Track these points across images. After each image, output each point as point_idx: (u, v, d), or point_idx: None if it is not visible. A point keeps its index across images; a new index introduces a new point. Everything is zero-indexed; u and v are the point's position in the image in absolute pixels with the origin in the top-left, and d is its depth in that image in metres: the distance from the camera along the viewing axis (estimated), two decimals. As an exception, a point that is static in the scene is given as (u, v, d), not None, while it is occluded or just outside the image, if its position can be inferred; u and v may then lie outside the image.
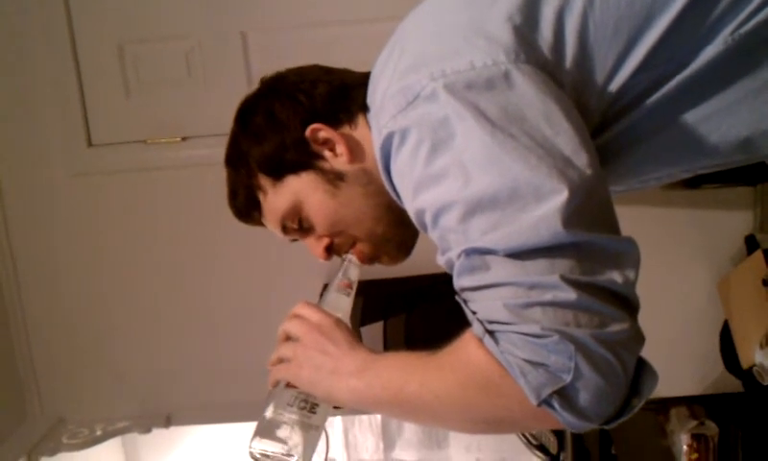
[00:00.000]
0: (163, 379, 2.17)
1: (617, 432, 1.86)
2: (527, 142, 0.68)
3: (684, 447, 1.91)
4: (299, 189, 0.91)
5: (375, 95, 0.83)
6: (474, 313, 0.70)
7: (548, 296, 0.65)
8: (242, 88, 0.99)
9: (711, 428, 1.91)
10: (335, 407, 0.86)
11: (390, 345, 1.86)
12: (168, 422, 2.19)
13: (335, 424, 2.61)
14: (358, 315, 1.78)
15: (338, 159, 0.90)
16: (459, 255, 0.70)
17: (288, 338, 0.89)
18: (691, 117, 0.77)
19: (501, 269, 0.67)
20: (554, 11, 0.74)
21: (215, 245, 2.06)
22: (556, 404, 0.65)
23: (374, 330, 1.87)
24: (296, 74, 0.95)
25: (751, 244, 1.97)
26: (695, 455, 1.90)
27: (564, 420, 0.66)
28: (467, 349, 0.71)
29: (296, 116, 0.90)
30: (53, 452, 2.07)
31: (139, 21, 1.98)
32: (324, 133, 0.89)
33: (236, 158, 0.96)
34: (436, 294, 1.48)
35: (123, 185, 2.06)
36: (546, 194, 0.66)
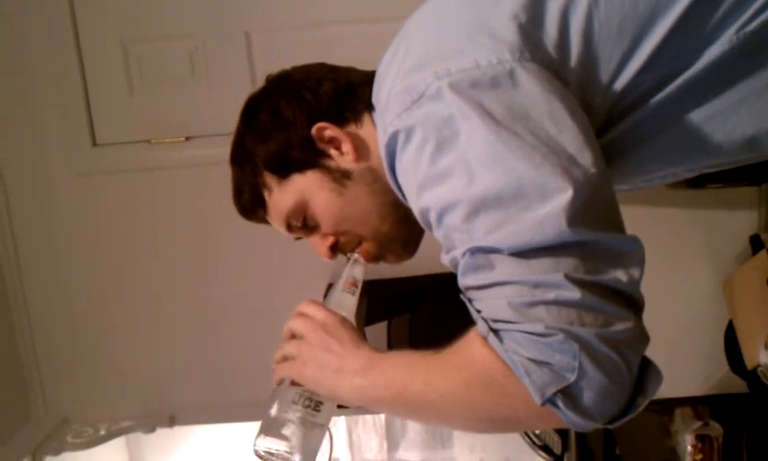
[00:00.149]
0: (167, 379, 2.17)
1: (621, 432, 1.86)
2: (532, 141, 0.68)
3: (689, 447, 1.90)
4: (304, 187, 0.91)
5: (380, 94, 0.83)
6: (479, 312, 0.70)
7: (552, 295, 0.65)
8: (246, 88, 0.99)
9: (716, 429, 1.90)
10: (339, 406, 0.86)
11: (394, 345, 1.86)
12: (172, 421, 2.19)
13: (339, 425, 2.60)
14: (363, 315, 1.78)
15: (344, 158, 0.90)
16: (463, 254, 0.70)
17: (293, 336, 0.89)
18: (696, 116, 0.77)
19: (506, 268, 0.67)
20: (559, 9, 0.75)
21: (219, 244, 2.06)
22: (560, 403, 0.65)
23: (378, 330, 1.87)
24: (301, 72, 0.95)
25: (755, 244, 1.96)
26: (699, 456, 1.89)
27: (569, 419, 0.66)
28: (471, 347, 0.71)
29: (301, 114, 0.90)
30: (57, 452, 2.07)
31: (143, 20, 1.98)
32: (330, 131, 0.89)
33: (241, 157, 0.96)
34: (440, 294, 1.48)
35: (127, 185, 2.06)
36: (551, 193, 0.66)
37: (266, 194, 0.94)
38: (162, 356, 2.15)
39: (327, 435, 0.87)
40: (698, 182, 1.85)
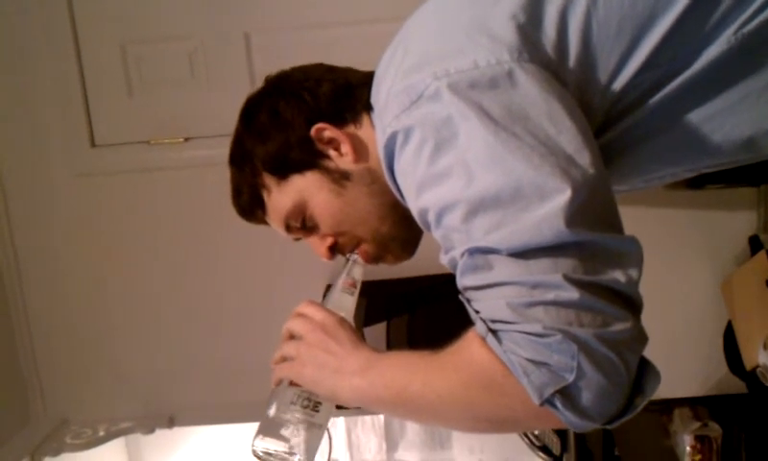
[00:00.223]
0: (166, 380, 2.16)
1: (620, 433, 1.85)
2: (530, 141, 0.68)
3: (688, 448, 1.90)
4: (303, 188, 0.91)
5: (379, 94, 0.83)
6: (477, 312, 0.70)
7: (551, 295, 0.65)
8: (245, 89, 0.99)
9: (715, 430, 1.90)
10: (338, 406, 0.86)
11: (393, 345, 1.86)
12: (171, 422, 2.19)
13: (338, 425, 2.60)
14: (361, 316, 1.78)
15: (343, 159, 0.90)
16: (462, 255, 0.70)
17: (292, 337, 0.89)
18: (695, 117, 0.77)
19: (504, 268, 0.67)
20: (557, 9, 0.75)
21: (218, 245, 2.06)
22: (558, 404, 0.65)
23: (377, 331, 1.87)
24: (300, 73, 0.95)
25: (754, 244, 1.96)
26: (698, 456, 1.89)
27: (567, 419, 0.66)
28: (470, 348, 0.71)
29: (300, 115, 0.90)
30: (56, 453, 2.07)
31: (142, 21, 1.98)
32: (329, 132, 0.89)
33: (240, 157, 0.96)
34: (439, 294, 1.48)
35: (126, 186, 2.06)
36: (549, 193, 0.66)
37: (265, 195, 0.94)
38: (161, 357, 2.15)
39: (326, 436, 0.87)
40: (697, 183, 1.85)
